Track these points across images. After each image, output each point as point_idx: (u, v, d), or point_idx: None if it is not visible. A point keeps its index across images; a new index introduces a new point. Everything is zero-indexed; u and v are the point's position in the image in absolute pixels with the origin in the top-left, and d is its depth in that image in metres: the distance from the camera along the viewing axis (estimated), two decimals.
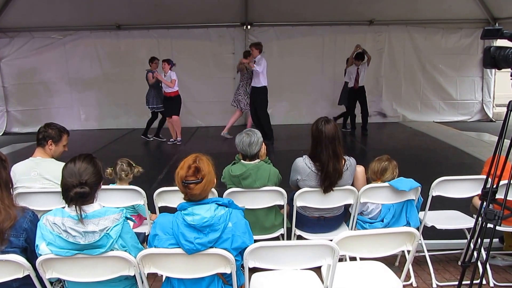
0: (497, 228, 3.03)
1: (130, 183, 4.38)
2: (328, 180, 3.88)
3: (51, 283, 2.72)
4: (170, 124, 10.78)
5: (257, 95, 10.32)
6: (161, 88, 10.49)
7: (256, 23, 12.93)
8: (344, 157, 3.96)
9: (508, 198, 3.00)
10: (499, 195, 3.12)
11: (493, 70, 13.04)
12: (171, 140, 10.85)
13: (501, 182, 3.17)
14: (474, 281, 3.20)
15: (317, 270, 3.06)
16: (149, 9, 11.94)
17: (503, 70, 3.05)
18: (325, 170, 3.86)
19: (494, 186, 3.09)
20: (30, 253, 2.70)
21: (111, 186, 4.18)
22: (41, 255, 2.54)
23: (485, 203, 3.10)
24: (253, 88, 10.34)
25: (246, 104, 10.77)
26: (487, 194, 3.07)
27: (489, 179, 3.19)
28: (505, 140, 3.11)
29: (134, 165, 4.44)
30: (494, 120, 13.54)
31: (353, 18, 12.65)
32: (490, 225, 3.04)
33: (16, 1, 11.69)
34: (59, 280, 2.84)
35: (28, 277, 2.64)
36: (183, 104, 11.24)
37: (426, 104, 13.70)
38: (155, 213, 4.10)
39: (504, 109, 3.07)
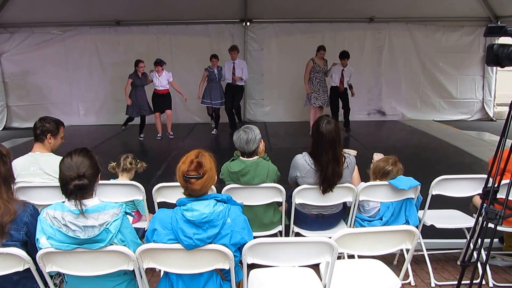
0: (498, 228, 3.02)
1: (131, 179, 4.39)
2: (327, 182, 3.87)
3: (51, 276, 2.72)
4: (158, 120, 10.96)
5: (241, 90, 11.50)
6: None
7: (255, 19, 12.93)
8: (344, 154, 3.95)
9: (509, 198, 2.99)
10: (500, 195, 3.10)
11: (494, 68, 13.03)
12: (158, 136, 10.99)
13: (503, 182, 3.15)
14: (474, 281, 3.20)
15: (315, 267, 3.06)
16: (148, 5, 11.94)
17: (506, 68, 3.04)
18: (324, 172, 3.84)
19: (496, 185, 3.07)
20: (30, 247, 2.70)
21: (111, 181, 4.19)
22: (41, 248, 2.55)
23: (486, 203, 3.08)
24: (238, 85, 11.22)
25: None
26: (488, 193, 3.05)
27: (491, 178, 3.18)
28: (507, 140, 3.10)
29: (138, 160, 4.50)
30: (495, 119, 13.53)
31: (353, 15, 12.63)
32: (490, 225, 3.03)
33: None
34: (58, 274, 2.85)
35: (28, 270, 2.64)
36: (182, 101, 11.36)
37: (426, 103, 13.70)
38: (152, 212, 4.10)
39: (505, 108, 3.06)
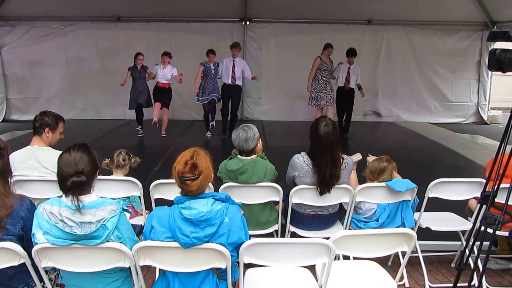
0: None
1: (126, 175, 4.38)
2: (324, 185, 3.88)
3: (46, 271, 2.72)
4: (157, 109, 10.73)
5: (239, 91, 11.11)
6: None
7: (255, 19, 12.95)
8: (342, 155, 3.96)
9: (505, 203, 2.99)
10: (498, 199, 3.10)
11: (490, 73, 13.11)
12: (162, 133, 10.80)
13: (501, 186, 3.15)
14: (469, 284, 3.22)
15: (311, 267, 3.06)
16: (149, 1, 11.97)
17: (500, 73, 3.04)
18: (322, 175, 3.85)
19: (494, 190, 3.07)
20: (26, 241, 2.69)
21: (108, 177, 4.17)
22: (37, 243, 2.54)
23: (484, 207, 3.07)
24: (237, 85, 10.84)
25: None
26: (487, 198, 3.05)
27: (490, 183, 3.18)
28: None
29: (131, 155, 4.47)
30: (489, 123, 13.56)
31: (351, 17, 12.69)
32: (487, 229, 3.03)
33: None
34: (54, 269, 2.84)
35: (23, 265, 2.64)
36: (180, 97, 11.32)
37: (421, 105, 13.77)
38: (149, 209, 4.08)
39: (499, 112, 3.07)
